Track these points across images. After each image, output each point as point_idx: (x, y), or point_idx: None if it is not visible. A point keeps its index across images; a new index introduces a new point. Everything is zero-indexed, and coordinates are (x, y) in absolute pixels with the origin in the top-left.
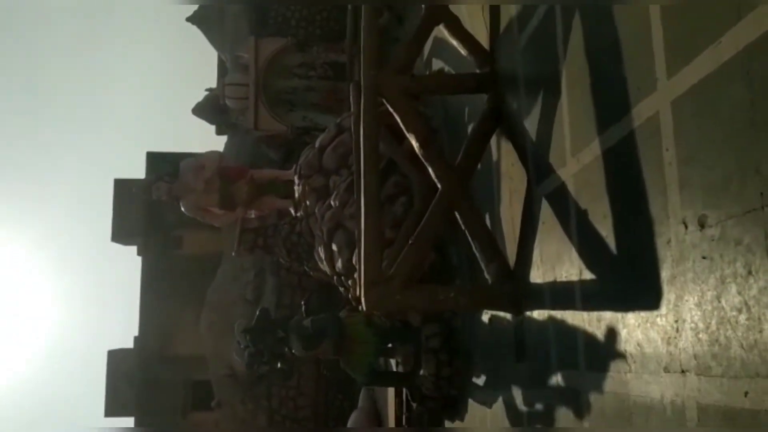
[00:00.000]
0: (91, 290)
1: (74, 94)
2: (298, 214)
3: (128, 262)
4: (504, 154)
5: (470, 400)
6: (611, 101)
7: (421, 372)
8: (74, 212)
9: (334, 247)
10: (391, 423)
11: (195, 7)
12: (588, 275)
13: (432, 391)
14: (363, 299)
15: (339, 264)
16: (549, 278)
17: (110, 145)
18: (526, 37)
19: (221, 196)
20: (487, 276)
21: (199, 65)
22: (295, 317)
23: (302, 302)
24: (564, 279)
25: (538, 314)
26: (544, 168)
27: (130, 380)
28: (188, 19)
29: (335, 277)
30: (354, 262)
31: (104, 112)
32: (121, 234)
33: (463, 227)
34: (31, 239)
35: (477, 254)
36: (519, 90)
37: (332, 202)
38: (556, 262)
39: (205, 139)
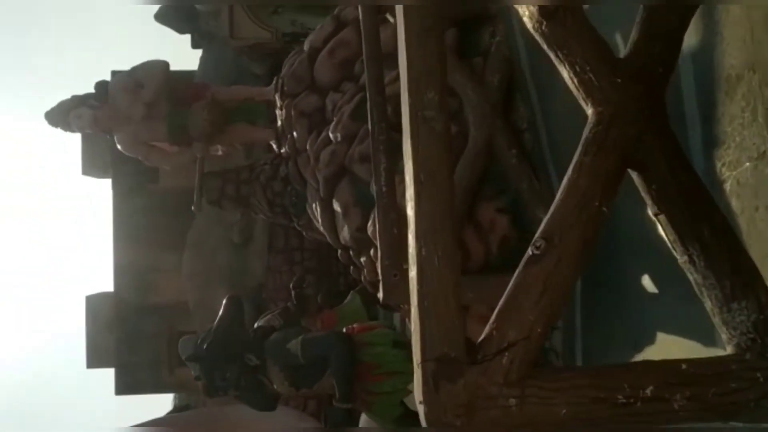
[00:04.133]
0: (65, 230)
1: None
2: (282, 151)
3: (103, 197)
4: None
5: None
6: None
7: None
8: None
9: (337, 206)
10: None
11: None
12: None
13: None
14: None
15: (345, 232)
16: None
17: (72, 64)
18: None
19: (171, 126)
20: (723, 329)
21: None
22: (275, 335)
23: (291, 287)
24: None
25: None
26: None
27: (110, 328)
28: None
29: (339, 251)
30: (370, 231)
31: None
32: (92, 166)
33: (654, 209)
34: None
35: (694, 276)
36: None
37: (332, 135)
38: None
39: (180, 55)
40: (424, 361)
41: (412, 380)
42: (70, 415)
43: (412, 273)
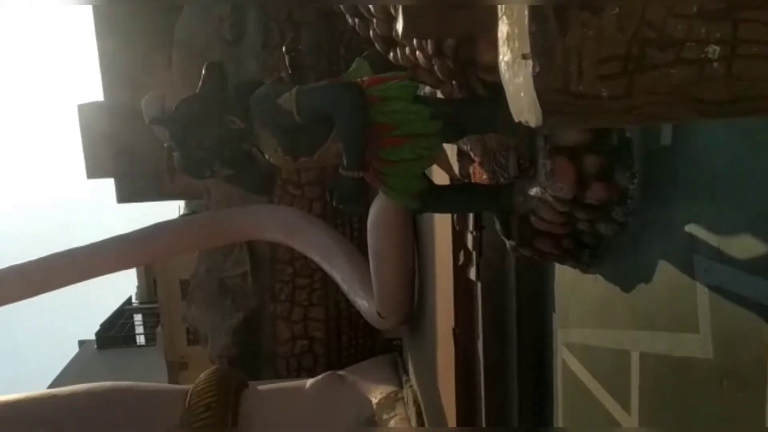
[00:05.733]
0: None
1: None
2: None
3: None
4: None
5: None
6: None
7: (533, 191)
8: None
9: None
10: (445, 264)
11: None
12: None
13: (555, 224)
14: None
15: None
16: None
17: None
18: None
19: None
20: None
21: None
22: (262, 88)
23: (283, 51)
24: None
25: None
26: None
27: (106, 138)
28: None
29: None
30: None
31: None
32: None
33: None
34: None
35: None
36: None
37: None
38: None
39: None
40: None
41: (438, 145)
42: (77, 225)
43: None
